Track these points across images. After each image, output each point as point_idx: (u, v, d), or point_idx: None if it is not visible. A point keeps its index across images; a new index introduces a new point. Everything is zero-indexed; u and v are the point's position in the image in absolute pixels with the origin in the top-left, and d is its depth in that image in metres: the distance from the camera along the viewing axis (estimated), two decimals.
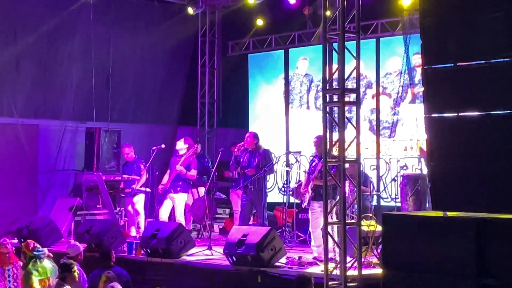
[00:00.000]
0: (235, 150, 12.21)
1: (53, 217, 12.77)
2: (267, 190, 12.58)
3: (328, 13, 8.52)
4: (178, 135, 14.15)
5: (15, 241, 12.11)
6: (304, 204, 10.52)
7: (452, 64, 6.92)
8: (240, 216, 11.89)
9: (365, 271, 8.44)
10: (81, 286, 8.85)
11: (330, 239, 8.56)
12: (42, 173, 14.49)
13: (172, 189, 12.44)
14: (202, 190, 13.44)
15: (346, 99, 8.28)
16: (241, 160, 11.92)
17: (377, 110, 14.00)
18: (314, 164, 10.35)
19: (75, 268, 8.39)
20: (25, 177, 14.22)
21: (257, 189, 11.56)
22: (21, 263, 9.70)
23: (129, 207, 13.03)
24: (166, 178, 12.65)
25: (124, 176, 13.08)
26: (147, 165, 12.50)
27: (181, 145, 12.60)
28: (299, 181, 12.26)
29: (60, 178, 14.69)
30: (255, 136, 11.98)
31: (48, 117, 14.61)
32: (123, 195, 13.16)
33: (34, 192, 14.42)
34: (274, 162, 13.24)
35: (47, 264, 9.05)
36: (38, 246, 9.31)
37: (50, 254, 9.42)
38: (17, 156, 14.09)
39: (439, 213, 6.95)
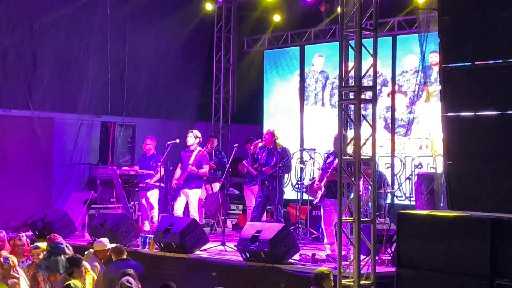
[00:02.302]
0: (252, 147, 12.17)
1: (68, 210, 12.82)
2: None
3: (345, 10, 8.48)
4: None
5: (30, 233, 12.19)
6: (316, 201, 10.50)
7: (470, 63, 6.89)
8: (253, 211, 11.87)
9: (378, 269, 8.41)
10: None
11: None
12: (57, 167, 14.55)
13: (186, 186, 12.44)
14: (217, 186, 13.46)
15: (362, 96, 8.26)
16: (260, 157, 11.88)
17: (393, 108, 13.96)
18: (329, 160, 10.33)
19: (84, 263, 8.37)
20: (40, 170, 14.29)
21: (274, 186, 11.54)
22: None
23: (143, 201, 13.06)
24: (178, 173, 12.65)
25: (139, 170, 13.11)
26: (162, 160, 12.52)
27: (192, 141, 12.57)
28: (313, 178, 12.24)
29: (75, 171, 14.75)
30: (273, 134, 11.88)
31: (64, 111, 14.66)
32: (137, 189, 13.19)
33: (49, 185, 14.49)
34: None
35: (63, 259, 9.02)
36: (58, 241, 9.31)
37: (68, 252, 9.34)
38: (33, 149, 14.17)
39: (455, 212, 6.92)
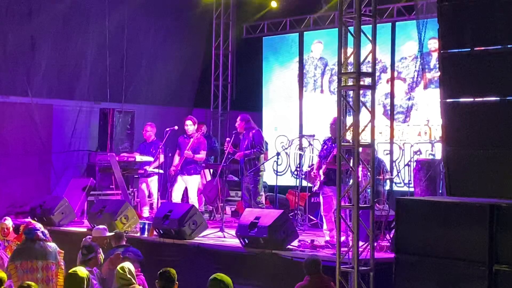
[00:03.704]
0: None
1: (67, 196, 12.81)
2: (280, 173, 12.54)
3: None
4: None
5: (28, 220, 12.18)
6: (315, 188, 10.48)
7: (469, 49, 6.89)
8: (242, 198, 11.88)
9: (377, 255, 8.43)
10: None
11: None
12: (55, 153, 14.55)
13: (185, 172, 12.43)
14: (209, 172, 13.46)
15: (361, 83, 8.25)
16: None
17: (392, 95, 13.95)
18: (326, 147, 10.32)
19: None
20: (39, 157, 14.29)
21: (249, 171, 11.44)
22: None
23: (143, 187, 13.05)
24: (177, 159, 12.65)
25: (137, 157, 13.10)
26: (161, 146, 12.53)
27: (192, 128, 12.55)
28: (312, 164, 12.24)
29: (74, 158, 14.74)
30: (243, 118, 11.68)
31: (63, 97, 14.64)
32: (137, 176, 13.19)
33: (47, 172, 14.49)
34: (286, 146, 13.23)
35: (38, 246, 8.40)
36: (33, 227, 8.66)
37: (42, 237, 8.52)
38: (31, 136, 14.15)
39: (453, 199, 6.94)
